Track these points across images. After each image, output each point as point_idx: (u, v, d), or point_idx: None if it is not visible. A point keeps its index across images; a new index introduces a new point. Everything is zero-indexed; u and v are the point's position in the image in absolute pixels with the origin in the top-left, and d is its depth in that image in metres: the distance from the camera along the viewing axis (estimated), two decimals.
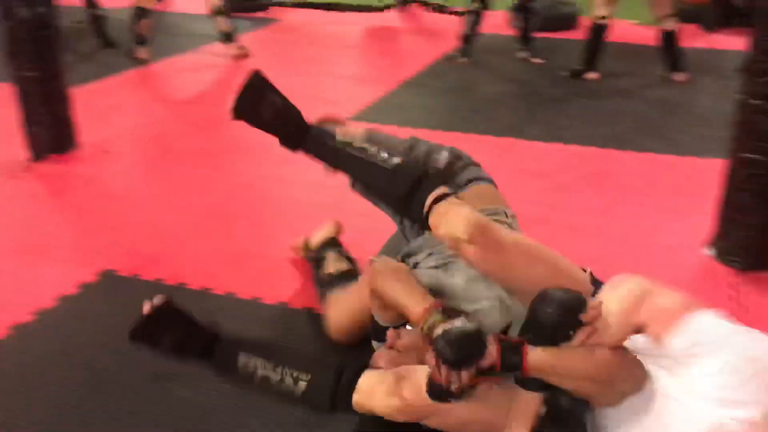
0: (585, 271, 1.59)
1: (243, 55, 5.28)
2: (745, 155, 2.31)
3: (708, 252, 2.54)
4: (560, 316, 1.31)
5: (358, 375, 1.56)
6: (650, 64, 5.03)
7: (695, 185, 3.15)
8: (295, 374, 1.56)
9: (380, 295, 1.67)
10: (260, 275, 2.47)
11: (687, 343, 1.31)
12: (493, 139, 3.78)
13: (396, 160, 1.61)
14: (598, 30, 4.70)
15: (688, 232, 2.70)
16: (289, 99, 1.73)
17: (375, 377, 1.56)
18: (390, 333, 1.67)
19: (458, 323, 1.36)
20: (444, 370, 1.33)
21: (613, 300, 1.37)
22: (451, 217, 1.49)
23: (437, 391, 1.40)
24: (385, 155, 1.62)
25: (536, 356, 1.31)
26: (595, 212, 2.91)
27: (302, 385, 1.56)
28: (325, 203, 2.92)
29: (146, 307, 1.59)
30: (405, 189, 1.56)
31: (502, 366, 1.32)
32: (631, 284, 1.40)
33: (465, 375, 1.32)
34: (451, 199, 1.54)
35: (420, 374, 1.48)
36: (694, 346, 1.30)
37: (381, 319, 1.77)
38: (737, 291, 2.33)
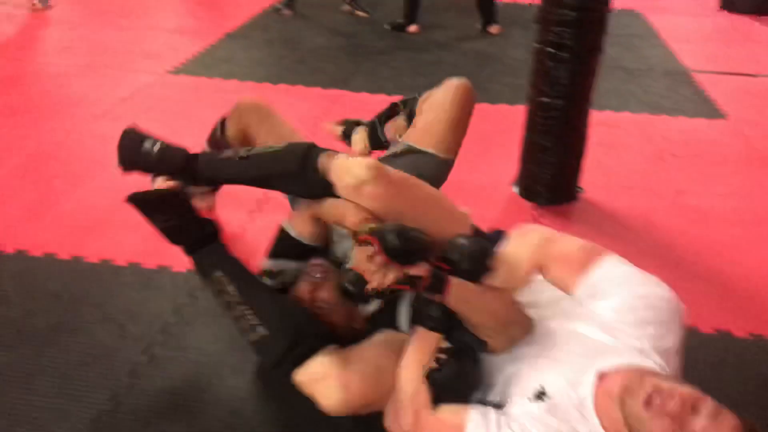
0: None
1: (44, 8, 4.89)
2: (541, 99, 2.54)
3: (514, 189, 2.79)
4: (472, 263, 1.43)
5: (311, 353, 1.53)
6: (467, 18, 5.29)
7: (505, 130, 3.39)
8: (251, 321, 1.55)
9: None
10: (81, 233, 2.38)
11: (591, 287, 1.47)
12: (320, 90, 3.83)
13: (281, 145, 1.67)
14: None
15: (498, 172, 2.94)
16: (165, 140, 1.78)
17: (326, 364, 1.52)
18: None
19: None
20: (378, 260, 1.34)
21: (519, 246, 1.53)
22: (349, 165, 1.54)
23: (351, 289, 1.37)
24: (270, 149, 1.67)
25: (457, 286, 1.40)
26: None
27: (255, 336, 1.55)
28: None
29: (158, 184, 1.74)
30: (297, 162, 1.59)
31: (428, 284, 1.38)
32: (536, 233, 1.58)
33: (392, 275, 1.35)
34: (343, 154, 1.59)
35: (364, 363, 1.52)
36: (597, 289, 1.46)
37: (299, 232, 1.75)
38: (539, 222, 2.59)
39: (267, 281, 1.73)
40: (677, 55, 4.69)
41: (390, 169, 1.57)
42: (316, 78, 4.00)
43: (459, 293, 1.42)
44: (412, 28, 5.01)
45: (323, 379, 1.50)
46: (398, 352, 1.53)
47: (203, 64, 4.12)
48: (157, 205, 1.68)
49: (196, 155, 1.74)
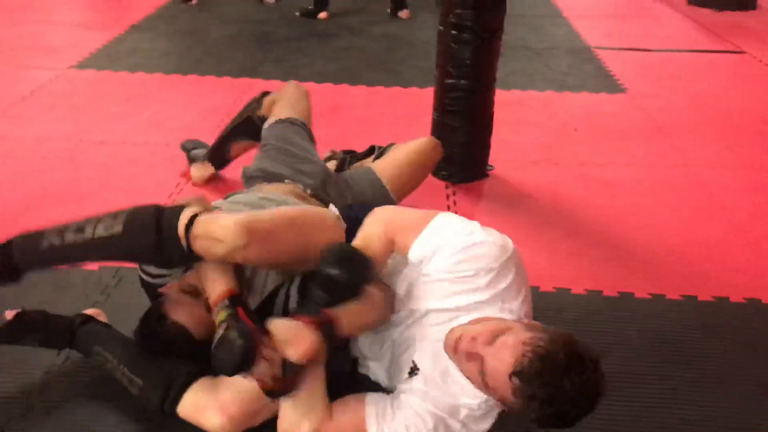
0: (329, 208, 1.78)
1: None
2: (448, 81, 2.60)
3: None
4: (351, 278, 1.45)
5: (185, 387, 1.57)
6: (377, 3, 5.33)
7: (417, 112, 3.45)
8: (129, 377, 1.63)
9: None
10: None
11: (421, 247, 1.54)
12: (230, 80, 3.79)
13: (123, 218, 1.48)
14: None
15: None
16: None
17: (199, 394, 1.56)
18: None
19: (231, 333, 1.36)
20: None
21: (370, 226, 1.60)
22: (219, 233, 1.43)
23: (269, 393, 1.40)
24: (110, 227, 1.49)
25: (343, 321, 1.43)
26: (331, 143, 3.08)
27: (135, 389, 1.62)
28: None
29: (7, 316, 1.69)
30: (150, 236, 1.44)
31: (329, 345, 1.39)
32: (385, 210, 1.65)
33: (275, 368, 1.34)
34: (203, 216, 1.47)
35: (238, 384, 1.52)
36: (427, 248, 1.53)
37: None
38: (452, 200, 2.66)
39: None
40: (580, 33, 4.88)
41: (259, 221, 1.49)
42: (226, 68, 3.96)
43: (347, 325, 1.45)
44: (323, 14, 5.02)
45: (201, 410, 1.55)
46: None
47: (108, 58, 4.00)
48: (13, 334, 1.71)
49: (9, 242, 1.58)
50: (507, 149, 3.01)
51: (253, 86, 3.71)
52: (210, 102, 3.48)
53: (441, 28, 2.58)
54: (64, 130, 3.09)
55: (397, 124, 3.31)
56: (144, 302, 1.82)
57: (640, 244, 2.41)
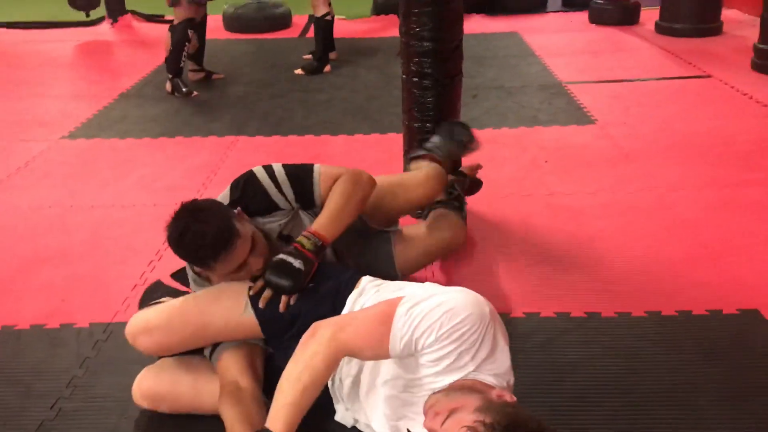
0: None
1: None
2: (414, 125, 2.74)
3: None
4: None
5: None
6: (360, 56, 5.55)
7: (393, 156, 3.60)
8: None
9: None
10: None
11: (401, 343, 1.50)
12: (216, 139, 3.95)
13: None
14: (326, 25, 5.17)
15: None
16: None
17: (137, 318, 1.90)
18: None
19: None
20: None
21: (308, 352, 1.57)
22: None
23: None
24: None
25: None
26: None
27: None
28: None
29: None
30: None
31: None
32: (322, 329, 1.58)
33: None
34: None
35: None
36: (408, 342, 1.49)
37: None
38: None
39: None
40: (552, 70, 5.06)
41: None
42: (212, 127, 4.13)
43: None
44: (327, 68, 5.25)
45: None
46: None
47: (98, 126, 4.18)
48: None
49: None
50: None
51: (237, 143, 3.88)
52: (195, 161, 3.63)
53: (403, 76, 2.73)
54: (56, 198, 3.24)
55: (375, 166, 3.44)
56: (133, 356, 1.94)
57: (606, 266, 2.52)
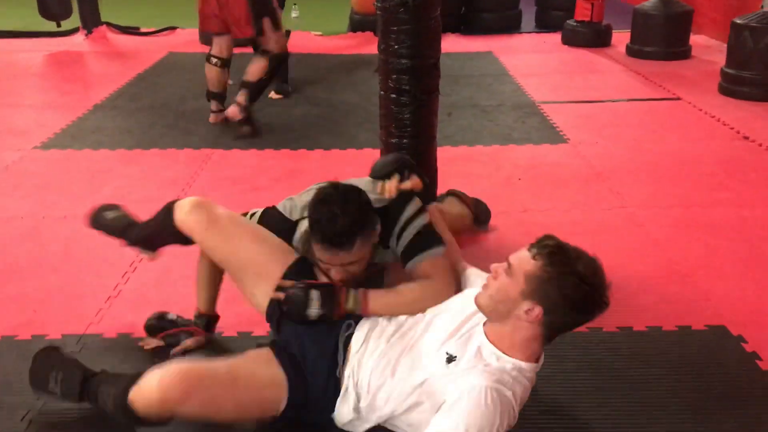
0: None
1: None
2: (392, 140, 2.77)
3: None
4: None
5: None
6: (336, 73, 5.58)
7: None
8: None
9: None
10: None
11: None
12: (192, 152, 3.94)
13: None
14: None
15: None
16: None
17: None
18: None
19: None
20: None
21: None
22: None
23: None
24: None
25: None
26: None
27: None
28: None
29: None
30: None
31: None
32: None
33: None
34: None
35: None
36: None
37: None
38: None
39: None
40: (525, 90, 5.14)
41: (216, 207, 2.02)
42: (187, 140, 4.12)
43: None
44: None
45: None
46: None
47: (72, 137, 4.15)
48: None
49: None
50: None
51: (212, 156, 3.87)
52: (170, 173, 3.62)
53: (381, 92, 2.76)
54: (28, 208, 3.20)
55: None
56: (105, 368, 1.92)
57: None
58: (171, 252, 2.26)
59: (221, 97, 4.47)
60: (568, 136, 4.12)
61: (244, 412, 1.75)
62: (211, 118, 4.46)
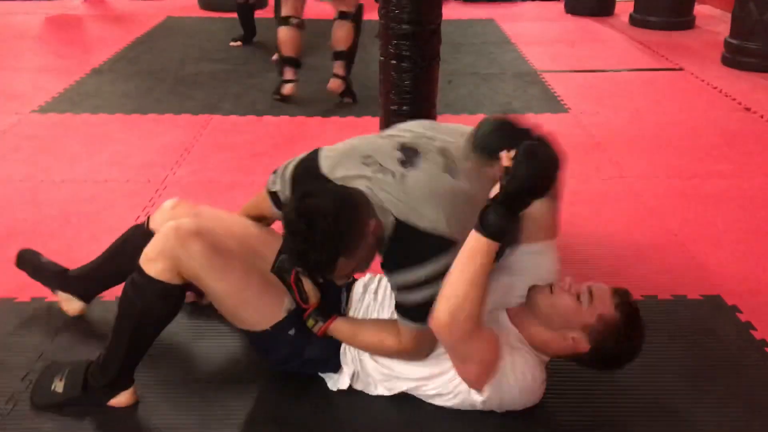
0: None
1: None
2: (391, 107, 2.75)
3: None
4: None
5: None
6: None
7: None
8: None
9: None
10: None
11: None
12: (190, 117, 3.92)
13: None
14: None
15: None
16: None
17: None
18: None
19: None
20: None
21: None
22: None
23: None
24: None
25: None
26: None
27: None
28: None
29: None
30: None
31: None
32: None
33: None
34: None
35: None
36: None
37: None
38: None
39: None
40: (528, 58, 5.10)
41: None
42: (186, 105, 4.09)
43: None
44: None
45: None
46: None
47: (69, 101, 4.12)
48: None
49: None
50: None
51: (211, 122, 3.85)
52: (168, 138, 3.60)
53: (381, 58, 2.74)
54: (26, 172, 3.19)
55: None
56: (106, 330, 1.93)
57: (576, 251, 2.57)
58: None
59: (298, 63, 4.19)
60: (569, 106, 4.10)
61: (246, 294, 1.76)
62: (287, 89, 4.12)
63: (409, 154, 1.70)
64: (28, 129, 3.72)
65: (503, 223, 1.51)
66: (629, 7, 6.18)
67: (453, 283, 1.55)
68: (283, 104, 4.13)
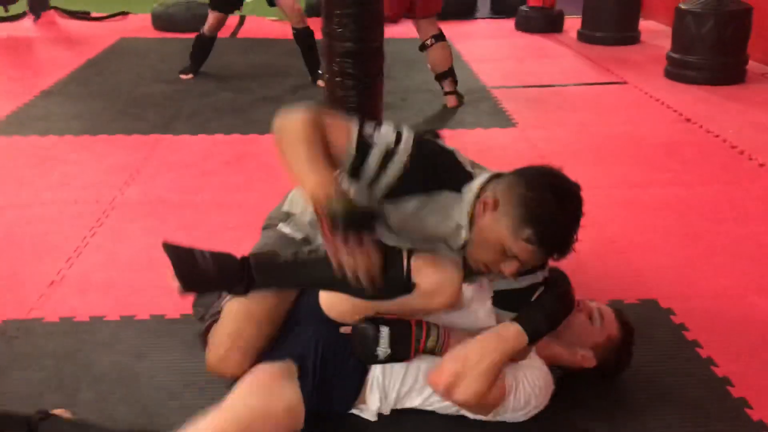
0: None
1: None
2: None
3: None
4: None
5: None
6: (287, 57, 5.56)
7: None
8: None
9: (282, 153, 1.61)
10: None
11: None
12: (141, 137, 3.90)
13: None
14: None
15: None
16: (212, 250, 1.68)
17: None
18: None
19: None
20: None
21: None
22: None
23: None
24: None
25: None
26: (235, 190, 3.24)
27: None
28: None
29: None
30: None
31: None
32: None
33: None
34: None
35: None
36: None
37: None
38: None
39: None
40: (478, 75, 5.20)
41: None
42: (137, 125, 4.08)
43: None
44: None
45: None
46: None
47: (18, 124, 4.08)
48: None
49: (247, 259, 1.69)
50: None
51: (162, 141, 3.85)
52: (118, 159, 3.59)
53: (326, 75, 2.79)
54: None
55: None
56: (46, 351, 1.91)
57: None
58: (115, 236, 2.21)
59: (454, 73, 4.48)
60: (517, 120, 4.19)
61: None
62: (451, 101, 4.46)
63: None
64: None
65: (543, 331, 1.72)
66: (578, 24, 6.35)
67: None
68: (237, 123, 4.14)
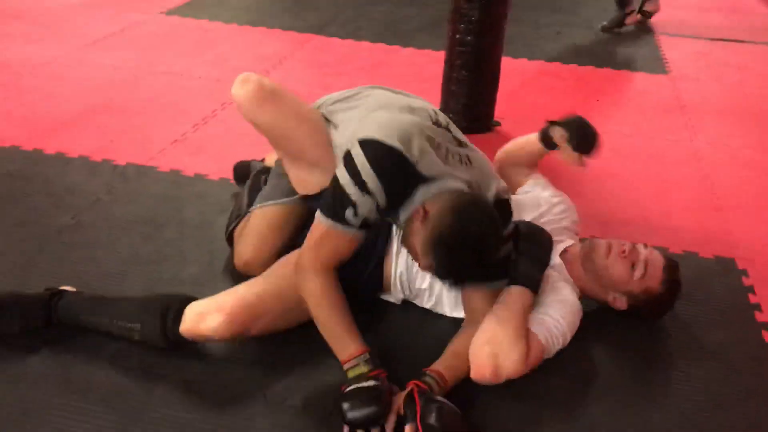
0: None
1: None
2: (457, 36, 2.83)
3: None
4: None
5: (181, 310, 1.64)
6: None
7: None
8: (128, 326, 1.66)
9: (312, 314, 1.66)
10: (45, 131, 2.79)
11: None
12: (295, 34, 4.16)
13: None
14: None
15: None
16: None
17: (197, 306, 1.65)
18: None
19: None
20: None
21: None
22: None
23: None
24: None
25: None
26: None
27: (136, 335, 1.66)
28: None
29: None
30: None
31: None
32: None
33: None
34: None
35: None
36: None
37: None
38: None
39: None
40: (652, 20, 4.87)
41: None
42: (294, 23, 4.33)
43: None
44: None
45: (201, 317, 1.62)
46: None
47: (195, 7, 4.50)
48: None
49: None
50: (514, 107, 3.22)
51: (312, 40, 4.07)
52: (268, 50, 3.88)
53: None
54: (135, 61, 3.59)
55: (424, 80, 3.53)
56: (152, 191, 2.21)
57: (628, 202, 2.56)
58: (239, 114, 2.33)
59: None
60: (671, 69, 3.94)
61: (301, 317, 1.73)
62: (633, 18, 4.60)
63: None
64: (151, 28, 4.13)
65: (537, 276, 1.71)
66: None
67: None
68: (384, 34, 4.26)
